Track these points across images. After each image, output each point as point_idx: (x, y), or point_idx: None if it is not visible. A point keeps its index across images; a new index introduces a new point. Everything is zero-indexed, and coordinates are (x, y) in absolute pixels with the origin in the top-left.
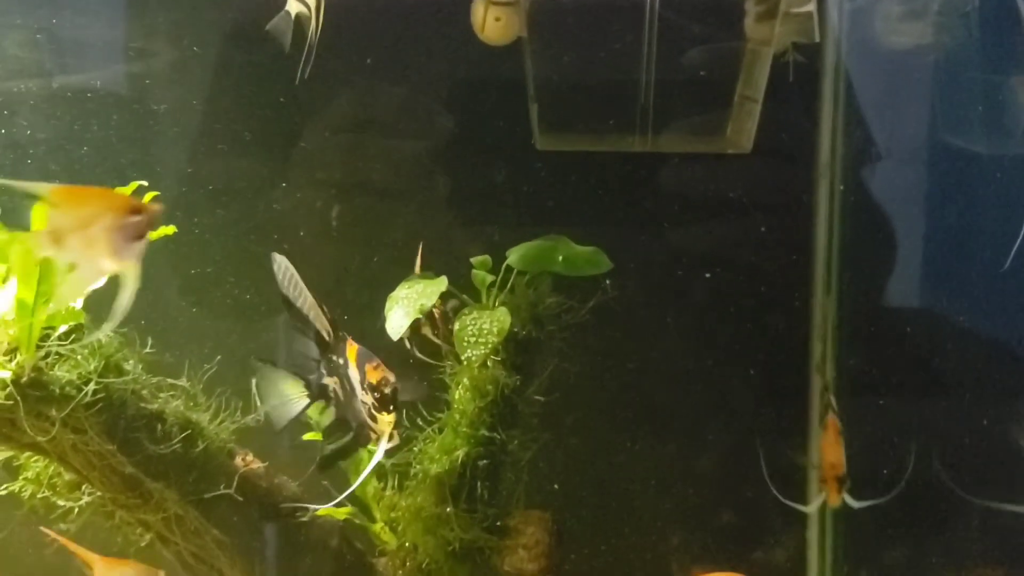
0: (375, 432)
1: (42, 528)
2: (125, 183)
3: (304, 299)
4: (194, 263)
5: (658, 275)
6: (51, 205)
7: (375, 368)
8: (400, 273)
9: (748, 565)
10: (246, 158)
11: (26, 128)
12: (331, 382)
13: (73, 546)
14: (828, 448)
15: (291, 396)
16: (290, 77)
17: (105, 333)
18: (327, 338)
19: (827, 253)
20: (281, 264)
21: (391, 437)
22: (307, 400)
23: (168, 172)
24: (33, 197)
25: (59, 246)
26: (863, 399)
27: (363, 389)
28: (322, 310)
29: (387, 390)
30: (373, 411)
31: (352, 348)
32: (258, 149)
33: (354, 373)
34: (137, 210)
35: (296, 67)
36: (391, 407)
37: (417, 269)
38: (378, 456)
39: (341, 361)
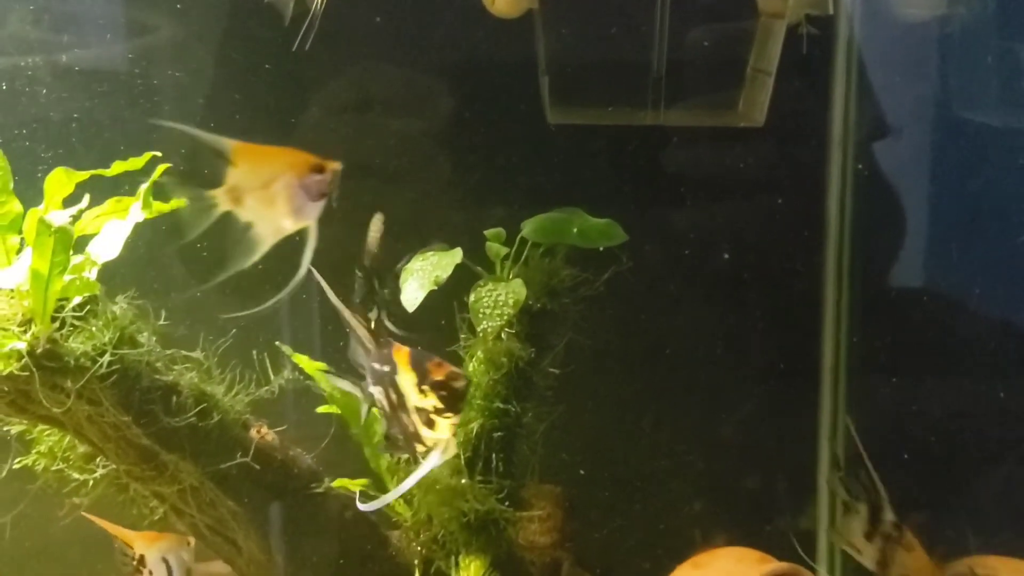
0: (425, 443)
1: (84, 514)
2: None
3: (339, 306)
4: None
5: (670, 250)
6: (231, 163)
7: (439, 365)
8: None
9: (761, 537)
10: (250, 133)
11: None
12: (376, 392)
13: (111, 527)
14: (923, 567)
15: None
16: (293, 52)
17: (285, 294)
18: (368, 346)
19: (839, 228)
20: (318, 277)
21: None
22: (366, 405)
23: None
24: (217, 153)
25: (238, 204)
26: (876, 376)
27: (420, 392)
28: (360, 318)
29: (458, 384)
30: (433, 415)
31: (402, 352)
32: (261, 124)
33: (407, 378)
34: (319, 168)
35: (302, 43)
36: (458, 406)
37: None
38: (432, 463)
39: (386, 369)
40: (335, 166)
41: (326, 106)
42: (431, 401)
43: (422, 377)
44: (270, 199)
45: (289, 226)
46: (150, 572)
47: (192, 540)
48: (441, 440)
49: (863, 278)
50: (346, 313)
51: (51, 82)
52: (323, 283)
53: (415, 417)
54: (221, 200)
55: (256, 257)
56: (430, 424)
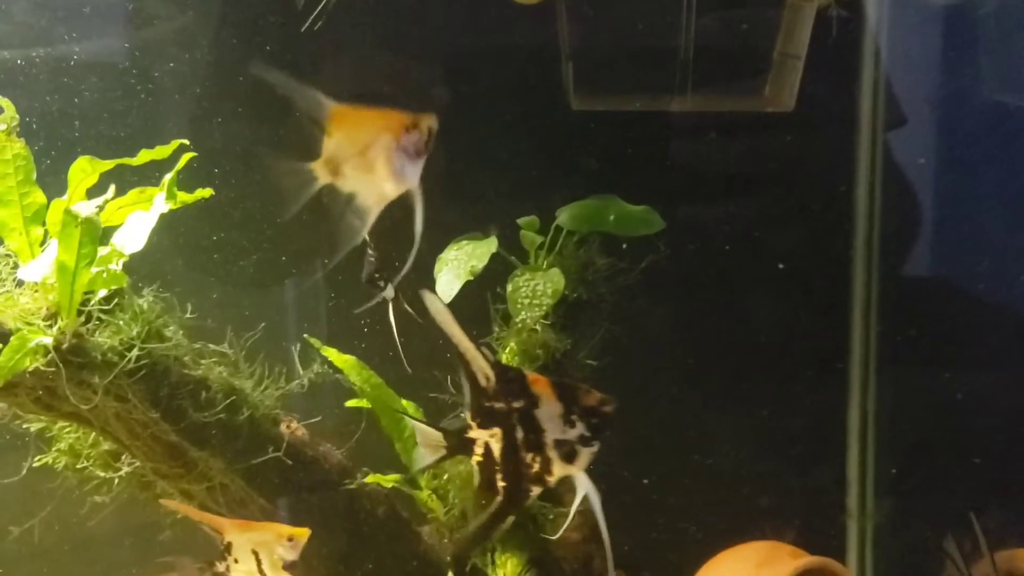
0: (548, 482)
1: (164, 501)
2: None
3: (457, 338)
4: (218, 229)
5: (697, 240)
6: (327, 134)
7: (587, 391)
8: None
9: (792, 530)
10: (265, 123)
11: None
12: (483, 435)
13: (197, 514)
14: None
15: (426, 443)
16: (312, 40)
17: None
18: (485, 383)
19: (868, 215)
20: (433, 303)
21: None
22: (443, 452)
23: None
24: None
25: (337, 175)
26: (907, 368)
27: (566, 424)
28: (482, 350)
29: (608, 409)
30: (578, 446)
31: (541, 381)
32: (276, 113)
33: (551, 409)
34: (413, 125)
35: (316, 28)
36: (605, 433)
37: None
38: (597, 502)
39: (517, 404)
40: (430, 121)
41: (338, 92)
42: (578, 431)
43: (571, 406)
44: (368, 165)
45: (392, 191)
46: (235, 560)
47: (294, 536)
48: (572, 474)
49: (894, 267)
50: (464, 342)
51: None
52: (441, 307)
53: (552, 453)
54: (320, 173)
55: (366, 229)
56: (571, 457)
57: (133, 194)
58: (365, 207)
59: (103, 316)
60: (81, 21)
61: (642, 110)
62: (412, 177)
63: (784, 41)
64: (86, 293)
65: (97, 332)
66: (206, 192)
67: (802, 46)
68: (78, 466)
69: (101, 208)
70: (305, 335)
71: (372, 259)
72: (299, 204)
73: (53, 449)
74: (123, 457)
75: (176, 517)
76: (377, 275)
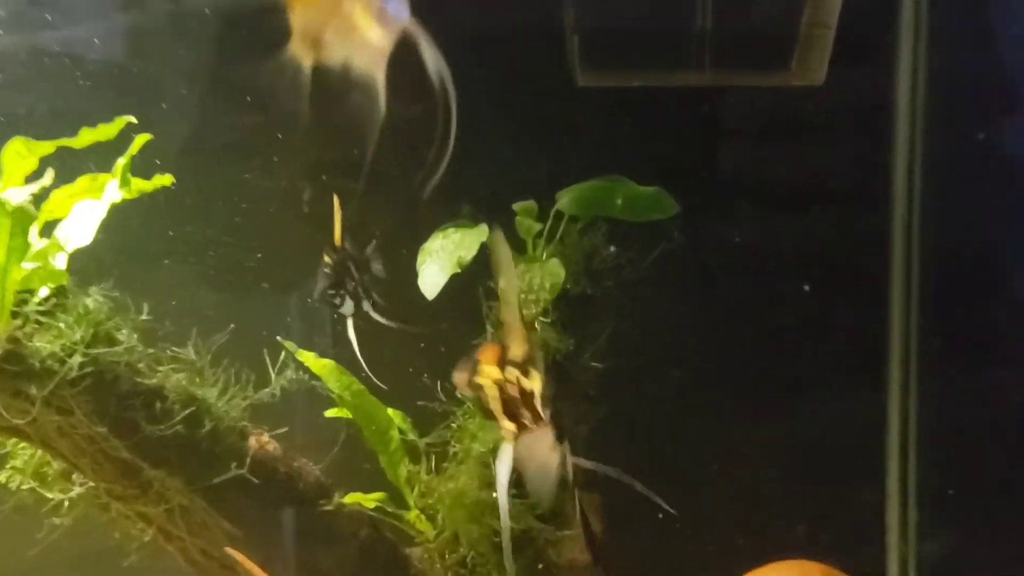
0: None
1: (227, 549)
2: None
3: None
4: (190, 224)
5: (722, 225)
6: (289, 8)
7: None
8: (426, 226)
9: (825, 547)
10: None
11: None
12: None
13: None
14: None
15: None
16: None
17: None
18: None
19: (907, 204)
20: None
21: None
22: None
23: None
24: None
25: (319, 50)
26: (950, 367)
27: None
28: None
29: None
30: None
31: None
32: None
33: None
34: None
35: None
36: None
37: (337, 238)
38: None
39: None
40: None
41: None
42: None
43: None
44: (348, 22)
45: (385, 40)
46: None
47: None
48: None
49: (935, 262)
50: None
51: None
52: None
53: None
54: (301, 53)
55: (382, 97)
56: None
57: (84, 180)
58: (367, 73)
59: (42, 318)
60: (31, 8)
61: (655, 86)
62: (401, 13)
63: (813, 9)
64: (21, 292)
65: (35, 336)
66: (166, 179)
67: (832, 14)
68: (24, 486)
69: (36, 196)
70: (278, 338)
71: (327, 271)
72: (305, 98)
73: (8, 466)
74: (74, 476)
75: (143, 541)
76: (332, 291)
